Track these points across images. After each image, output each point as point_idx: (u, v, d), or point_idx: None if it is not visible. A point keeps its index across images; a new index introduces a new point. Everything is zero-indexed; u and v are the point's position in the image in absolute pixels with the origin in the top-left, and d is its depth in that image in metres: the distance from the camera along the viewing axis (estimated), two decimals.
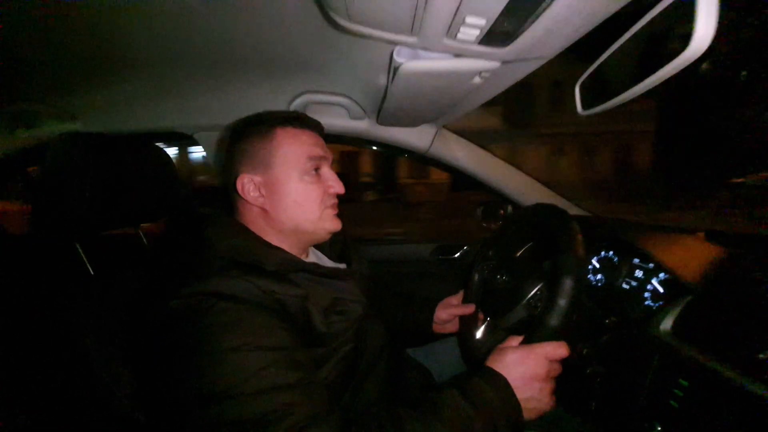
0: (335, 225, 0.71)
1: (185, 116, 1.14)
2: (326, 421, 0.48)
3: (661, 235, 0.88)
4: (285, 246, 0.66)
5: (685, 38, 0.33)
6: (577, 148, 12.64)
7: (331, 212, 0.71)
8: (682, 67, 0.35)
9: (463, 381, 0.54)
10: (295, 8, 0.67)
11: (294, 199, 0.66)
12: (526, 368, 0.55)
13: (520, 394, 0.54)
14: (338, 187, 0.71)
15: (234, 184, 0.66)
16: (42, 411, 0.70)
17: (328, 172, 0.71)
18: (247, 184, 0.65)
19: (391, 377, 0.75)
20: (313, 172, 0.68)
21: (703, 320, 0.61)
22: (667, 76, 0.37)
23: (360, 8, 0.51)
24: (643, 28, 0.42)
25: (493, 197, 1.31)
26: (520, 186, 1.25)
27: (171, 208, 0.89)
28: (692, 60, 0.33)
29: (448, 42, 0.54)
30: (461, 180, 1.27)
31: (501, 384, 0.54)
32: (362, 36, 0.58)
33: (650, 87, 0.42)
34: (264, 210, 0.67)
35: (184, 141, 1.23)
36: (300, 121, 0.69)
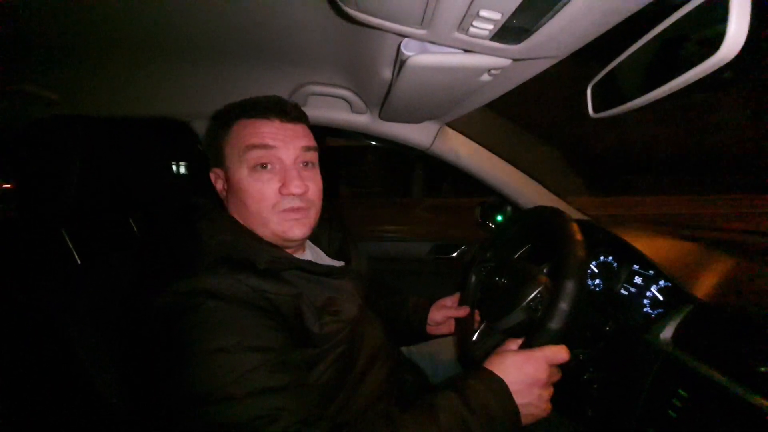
0: (291, 233, 0.62)
1: (182, 103, 1.11)
2: (316, 426, 0.47)
3: (662, 241, 0.88)
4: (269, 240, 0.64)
5: (714, 41, 0.32)
6: None
7: (286, 217, 0.61)
8: (708, 71, 0.33)
9: (460, 383, 0.53)
10: None
11: (247, 195, 0.60)
12: (527, 373, 0.54)
13: (519, 399, 0.52)
14: (291, 187, 0.59)
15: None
16: (22, 401, 0.68)
17: (285, 169, 0.61)
18: (215, 178, 0.65)
19: (388, 378, 0.74)
20: (260, 168, 0.60)
21: (704, 330, 0.60)
22: (691, 81, 0.36)
23: None
24: (667, 29, 0.40)
25: (494, 197, 1.29)
26: (521, 188, 1.24)
27: (164, 197, 0.87)
28: (721, 65, 0.31)
29: (458, 36, 0.52)
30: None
31: (500, 388, 0.52)
32: (370, 27, 0.56)
33: (669, 92, 0.40)
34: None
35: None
36: (256, 109, 0.62)
